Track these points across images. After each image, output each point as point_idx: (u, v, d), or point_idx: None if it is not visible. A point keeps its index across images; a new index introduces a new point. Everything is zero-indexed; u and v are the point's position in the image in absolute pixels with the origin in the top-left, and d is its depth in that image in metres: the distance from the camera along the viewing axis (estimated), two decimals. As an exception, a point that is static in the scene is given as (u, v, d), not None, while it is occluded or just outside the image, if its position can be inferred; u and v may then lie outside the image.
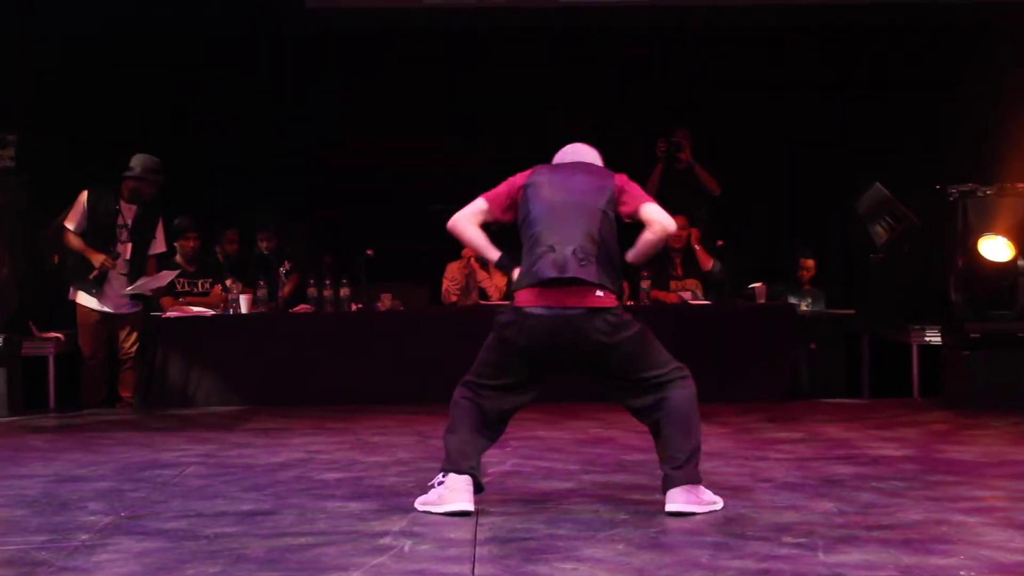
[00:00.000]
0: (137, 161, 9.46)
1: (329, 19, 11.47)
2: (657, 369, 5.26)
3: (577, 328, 5.13)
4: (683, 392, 5.26)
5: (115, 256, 9.32)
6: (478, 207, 5.38)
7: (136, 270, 9.44)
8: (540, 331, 5.15)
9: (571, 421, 7.94)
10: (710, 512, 5.17)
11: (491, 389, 5.27)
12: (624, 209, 5.32)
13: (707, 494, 5.26)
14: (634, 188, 5.41)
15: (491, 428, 5.33)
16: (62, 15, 10.88)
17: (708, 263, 10.33)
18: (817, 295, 10.35)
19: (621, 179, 5.39)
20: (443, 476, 5.25)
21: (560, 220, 5.21)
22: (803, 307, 10.17)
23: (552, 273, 5.12)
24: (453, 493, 5.18)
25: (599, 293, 5.15)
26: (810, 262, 10.44)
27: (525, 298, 5.19)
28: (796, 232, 11.08)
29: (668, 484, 5.22)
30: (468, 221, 5.37)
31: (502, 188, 5.41)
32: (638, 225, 5.35)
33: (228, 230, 10.35)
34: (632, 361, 5.23)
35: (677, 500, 5.18)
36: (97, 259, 9.28)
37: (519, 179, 5.39)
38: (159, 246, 9.62)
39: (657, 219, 5.30)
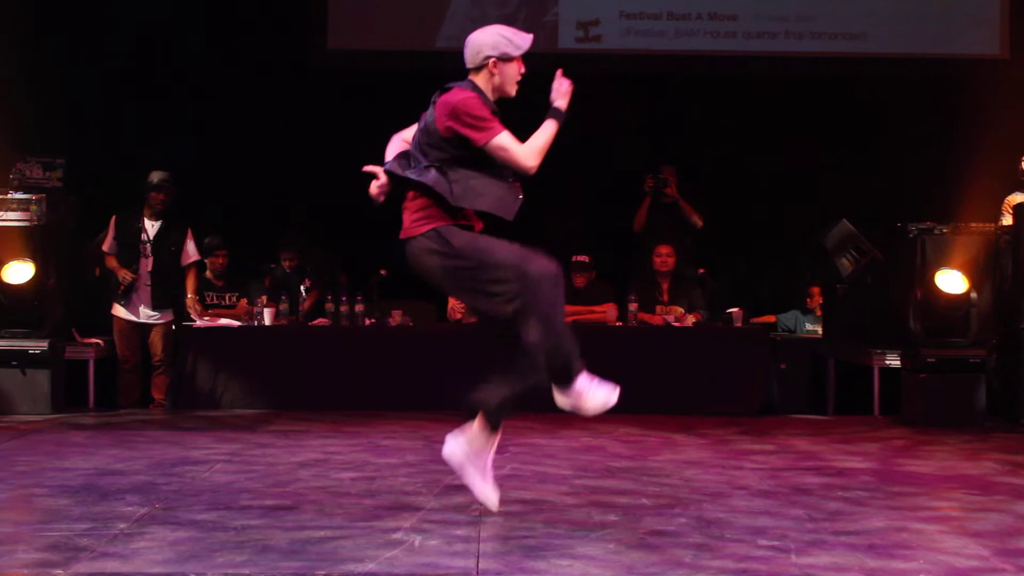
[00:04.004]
0: (152, 176, 9.55)
1: (349, 58, 11.54)
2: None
3: None
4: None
5: (134, 271, 9.42)
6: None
7: (160, 281, 9.52)
8: None
9: (564, 430, 7.94)
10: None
11: None
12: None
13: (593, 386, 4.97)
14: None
15: None
16: (103, 50, 11.01)
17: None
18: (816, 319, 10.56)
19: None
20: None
21: None
22: (817, 328, 10.31)
23: None
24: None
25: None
26: (816, 289, 10.55)
27: None
28: (773, 263, 11.13)
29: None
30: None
31: None
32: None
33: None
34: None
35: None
36: (119, 274, 9.43)
37: None
38: (190, 257, 9.66)
39: None
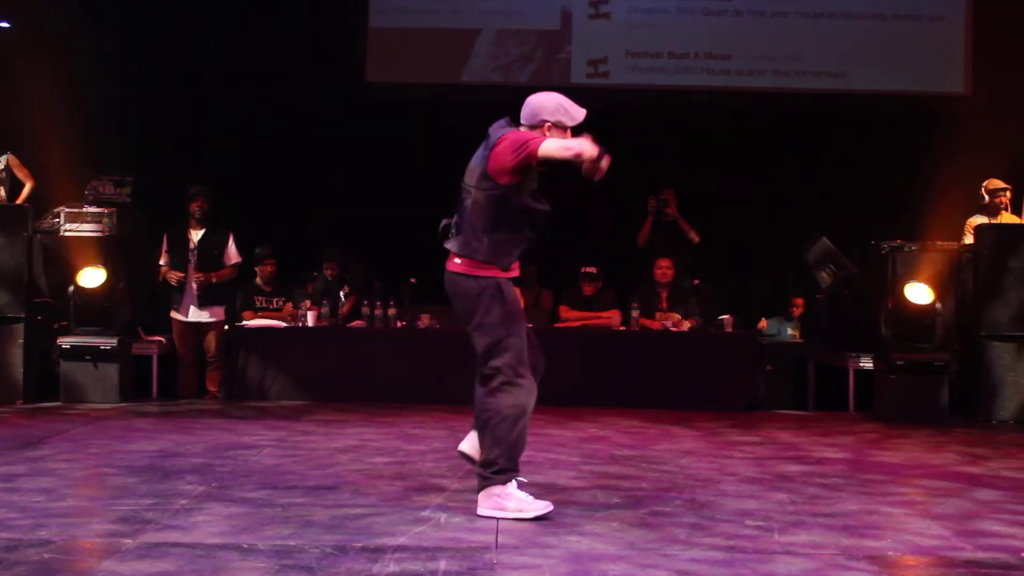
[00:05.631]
0: (192, 189, 9.69)
1: (386, 90, 11.63)
2: (488, 360, 4.77)
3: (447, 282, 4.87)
4: (500, 399, 4.75)
5: (183, 275, 9.52)
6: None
7: (205, 284, 9.58)
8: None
9: (573, 422, 7.98)
10: (516, 519, 4.66)
11: None
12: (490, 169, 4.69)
13: (511, 500, 4.72)
14: (502, 144, 4.70)
15: None
16: (166, 82, 11.10)
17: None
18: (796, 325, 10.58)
19: (499, 143, 4.71)
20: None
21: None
22: (795, 334, 10.31)
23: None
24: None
25: (456, 260, 4.83)
26: (800, 300, 10.58)
27: None
28: (759, 274, 11.14)
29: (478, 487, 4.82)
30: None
31: None
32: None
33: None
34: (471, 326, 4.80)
35: (482, 505, 4.76)
36: (170, 277, 9.57)
37: None
38: (231, 259, 9.74)
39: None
